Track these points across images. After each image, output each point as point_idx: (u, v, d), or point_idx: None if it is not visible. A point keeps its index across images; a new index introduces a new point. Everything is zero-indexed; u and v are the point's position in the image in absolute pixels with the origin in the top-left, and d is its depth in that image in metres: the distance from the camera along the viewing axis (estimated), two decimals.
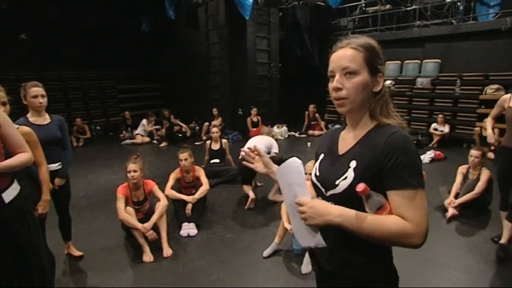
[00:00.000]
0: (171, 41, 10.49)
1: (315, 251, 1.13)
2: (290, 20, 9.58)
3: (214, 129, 5.31)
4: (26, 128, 2.14)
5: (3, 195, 1.55)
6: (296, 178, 1.02)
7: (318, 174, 1.12)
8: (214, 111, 8.54)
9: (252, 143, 4.35)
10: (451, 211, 3.65)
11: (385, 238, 0.92)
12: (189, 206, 3.56)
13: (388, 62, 8.75)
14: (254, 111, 8.31)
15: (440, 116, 7.08)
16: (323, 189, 1.08)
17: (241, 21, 7.93)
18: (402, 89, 8.10)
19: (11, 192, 1.59)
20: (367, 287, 1.05)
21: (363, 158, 0.98)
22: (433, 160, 5.98)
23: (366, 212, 0.93)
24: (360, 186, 0.89)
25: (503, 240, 2.87)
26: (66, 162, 2.76)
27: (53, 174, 2.60)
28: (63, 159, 2.74)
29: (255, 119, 8.38)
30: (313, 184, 1.14)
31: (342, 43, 1.03)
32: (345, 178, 0.99)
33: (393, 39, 8.35)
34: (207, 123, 8.42)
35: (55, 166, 2.63)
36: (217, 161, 5.24)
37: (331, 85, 1.01)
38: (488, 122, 3.13)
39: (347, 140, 1.08)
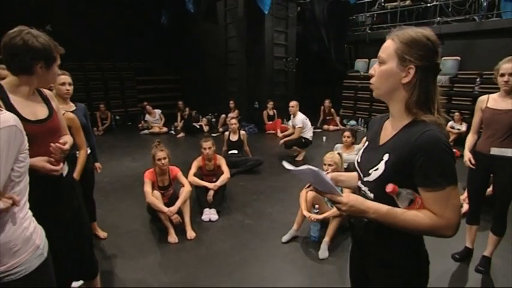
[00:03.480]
0: (189, 34, 10.64)
1: (353, 224, 1.24)
2: (308, 15, 9.59)
3: (233, 121, 5.46)
4: (71, 114, 2.32)
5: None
6: (321, 185, 1.11)
7: (359, 160, 1.21)
8: (231, 103, 8.68)
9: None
10: (465, 207, 3.70)
11: (416, 231, 1.02)
12: (211, 193, 3.72)
13: None
14: (270, 104, 8.42)
15: (457, 114, 7.04)
16: (361, 175, 1.17)
17: (260, 15, 7.99)
18: None
19: (64, 167, 1.77)
20: (396, 264, 1.12)
21: (395, 153, 1.04)
22: None
23: (398, 206, 1.01)
24: (389, 187, 0.97)
25: (486, 253, 2.69)
26: (95, 148, 2.96)
27: None
28: (92, 144, 2.93)
29: (271, 113, 8.49)
30: (355, 169, 1.23)
31: (390, 34, 1.08)
32: (377, 169, 1.07)
33: None
34: (223, 115, 8.59)
35: None
36: (235, 151, 5.40)
37: None
38: (468, 141, 2.65)
39: (387, 130, 1.14)
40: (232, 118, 6.03)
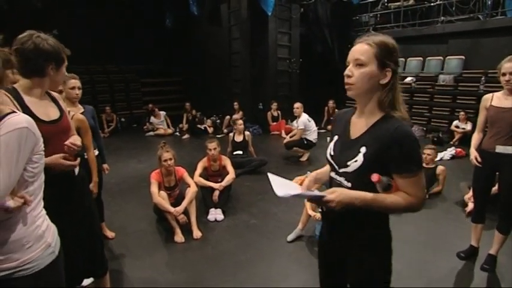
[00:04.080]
0: (193, 36, 10.71)
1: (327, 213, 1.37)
2: (311, 16, 9.64)
3: (240, 122, 5.50)
4: (81, 116, 2.37)
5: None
6: (307, 196, 1.31)
7: (332, 153, 1.33)
8: (236, 105, 8.72)
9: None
10: (470, 205, 3.71)
11: (395, 211, 1.23)
12: (216, 193, 3.75)
13: (409, 58, 8.70)
14: (274, 105, 8.45)
15: (462, 113, 7.02)
16: (336, 167, 1.29)
17: (263, 16, 8.05)
18: (424, 86, 8.05)
19: (77, 167, 1.82)
20: (371, 243, 1.27)
21: (372, 146, 1.17)
22: (453, 157, 5.98)
23: (377, 190, 1.16)
24: (374, 177, 1.13)
25: (492, 251, 2.68)
26: (103, 149, 3.01)
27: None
28: (100, 146, 2.98)
29: (275, 114, 8.52)
30: (328, 161, 1.36)
31: (361, 39, 1.21)
32: (356, 161, 1.20)
33: (416, 35, 8.29)
34: (228, 117, 8.63)
35: None
36: (240, 152, 5.43)
37: (345, 72, 1.21)
38: (474, 140, 2.65)
39: (358, 125, 1.26)
40: (237, 119, 6.07)
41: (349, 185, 1.23)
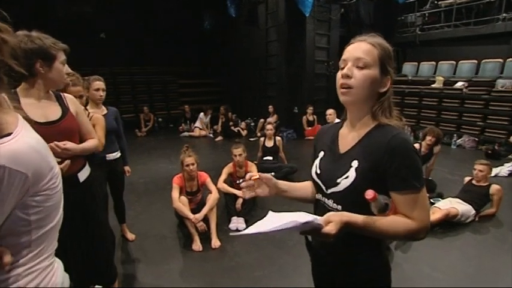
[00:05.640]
0: (231, 38, 10.75)
1: (312, 243, 1.16)
2: (352, 17, 9.18)
3: (269, 126, 5.30)
4: (98, 115, 2.33)
5: (79, 174, 1.73)
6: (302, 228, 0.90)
7: (318, 172, 1.12)
8: (270, 108, 8.57)
9: None
10: None
11: (392, 237, 1.05)
12: (240, 201, 3.59)
13: (461, 61, 7.96)
14: (310, 110, 8.16)
15: None
16: (324, 187, 1.09)
17: (301, 18, 7.79)
18: (477, 92, 7.26)
19: (85, 173, 1.77)
20: (362, 274, 1.08)
21: (365, 159, 0.99)
22: None
23: (372, 212, 0.95)
24: (369, 194, 0.90)
25: None
26: (126, 151, 2.98)
27: (112, 163, 2.80)
28: (123, 147, 2.95)
29: (310, 118, 8.22)
30: (313, 181, 1.15)
31: (360, 37, 1.04)
32: (347, 177, 1.01)
33: (469, 35, 7.56)
34: (262, 120, 8.49)
35: (113, 155, 2.83)
36: (270, 158, 5.24)
37: (341, 72, 1.01)
38: None
39: (347, 138, 1.08)
40: (269, 123, 5.89)
41: (339, 207, 1.04)
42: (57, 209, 0.90)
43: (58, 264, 0.98)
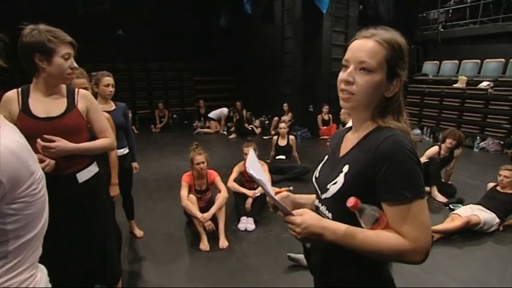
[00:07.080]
0: (246, 35, 10.66)
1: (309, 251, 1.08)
2: (371, 14, 8.91)
3: (282, 125, 5.20)
4: (105, 114, 2.29)
5: (78, 175, 1.66)
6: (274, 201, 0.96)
7: (317, 176, 1.07)
8: (285, 106, 8.45)
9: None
10: None
11: (379, 255, 0.84)
12: (249, 201, 3.52)
13: (487, 60, 7.60)
14: (325, 108, 7.99)
15: None
16: (319, 192, 1.02)
17: (318, 14, 7.62)
18: (504, 93, 6.90)
19: (86, 173, 1.69)
20: None
21: (356, 163, 0.90)
22: None
23: (361, 225, 0.85)
24: (350, 201, 0.81)
25: None
26: (134, 147, 2.95)
27: (120, 159, 2.77)
28: (131, 144, 2.92)
29: (325, 117, 8.06)
30: (313, 186, 1.09)
31: (366, 32, 0.91)
32: (335, 183, 0.93)
33: (497, 32, 7.18)
34: (276, 118, 8.38)
35: (121, 151, 2.79)
36: (283, 157, 5.14)
37: (342, 75, 0.91)
38: None
39: (349, 141, 1.01)
40: (283, 122, 5.78)
41: (330, 215, 0.96)
42: (39, 217, 0.82)
43: (42, 273, 0.89)
